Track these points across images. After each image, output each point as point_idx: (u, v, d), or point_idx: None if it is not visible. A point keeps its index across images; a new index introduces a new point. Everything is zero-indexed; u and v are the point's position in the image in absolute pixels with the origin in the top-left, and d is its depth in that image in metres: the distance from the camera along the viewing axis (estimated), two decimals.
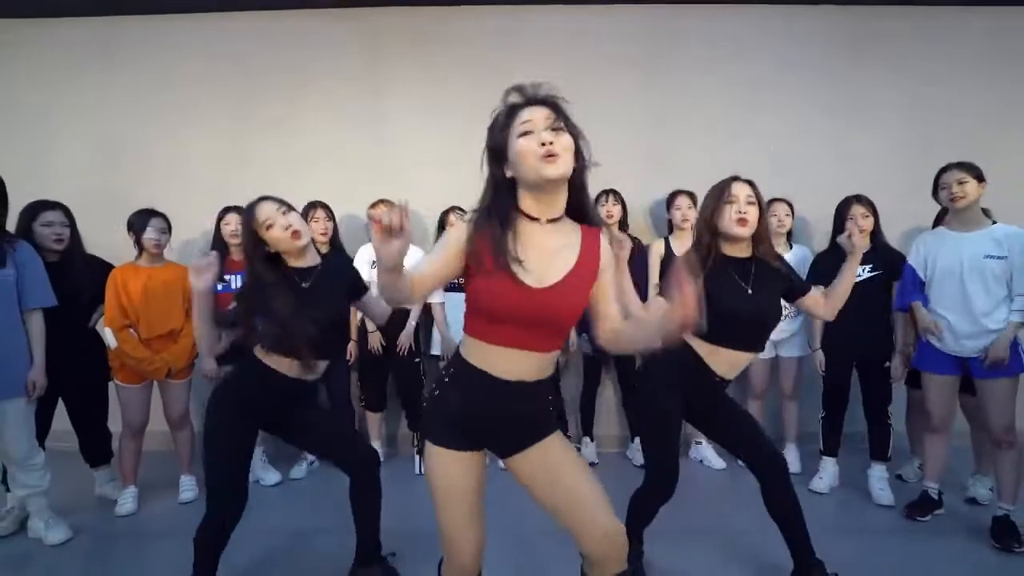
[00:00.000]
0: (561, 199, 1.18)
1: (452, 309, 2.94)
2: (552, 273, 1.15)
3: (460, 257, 1.15)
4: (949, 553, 2.13)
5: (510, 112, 1.15)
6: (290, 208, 1.69)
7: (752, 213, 1.68)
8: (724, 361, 1.71)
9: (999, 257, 2.16)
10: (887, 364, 2.54)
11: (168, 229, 2.59)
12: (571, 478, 1.22)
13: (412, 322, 2.94)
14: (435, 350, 3.09)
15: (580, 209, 1.21)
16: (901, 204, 2.95)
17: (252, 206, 1.66)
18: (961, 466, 2.67)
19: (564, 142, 1.11)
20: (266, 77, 3.41)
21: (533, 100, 1.14)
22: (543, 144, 1.08)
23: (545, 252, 1.15)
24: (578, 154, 1.15)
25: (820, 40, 3.39)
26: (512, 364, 1.17)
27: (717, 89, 3.38)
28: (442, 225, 3.03)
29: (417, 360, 2.99)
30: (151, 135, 3.42)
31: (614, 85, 3.35)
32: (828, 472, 2.71)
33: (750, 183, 1.74)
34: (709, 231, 1.73)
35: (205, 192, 3.19)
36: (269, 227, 1.63)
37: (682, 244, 2.97)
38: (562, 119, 1.13)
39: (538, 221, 1.17)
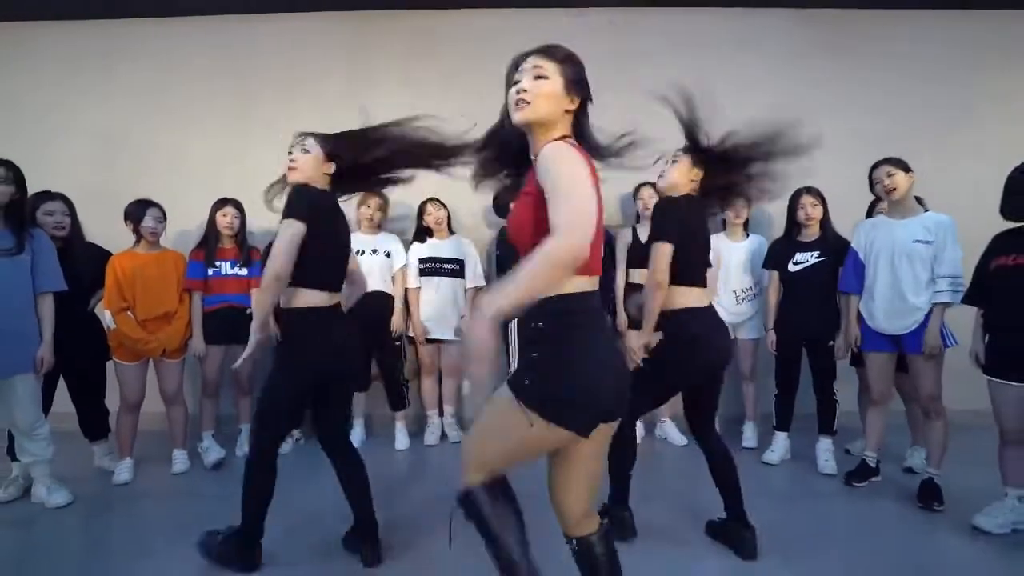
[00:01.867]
0: (543, 138, 1.18)
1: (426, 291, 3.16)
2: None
3: None
4: (880, 513, 2.32)
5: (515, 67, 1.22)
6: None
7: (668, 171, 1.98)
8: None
9: (927, 242, 2.35)
10: (832, 343, 2.73)
11: (164, 218, 2.78)
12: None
13: (399, 305, 3.13)
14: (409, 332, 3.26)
15: (584, 141, 1.23)
16: (855, 196, 3.13)
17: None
18: (902, 441, 2.87)
19: (538, 88, 1.16)
20: (259, 78, 3.60)
21: (530, 53, 1.20)
22: (517, 92, 1.17)
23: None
24: (572, 90, 1.19)
25: (773, 39, 3.60)
26: None
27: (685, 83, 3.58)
28: (421, 213, 3.22)
29: (398, 342, 3.17)
30: (149, 133, 3.62)
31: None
32: (780, 445, 2.91)
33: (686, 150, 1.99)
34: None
35: (201, 186, 3.37)
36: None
37: (647, 231, 3.16)
38: (549, 65, 1.17)
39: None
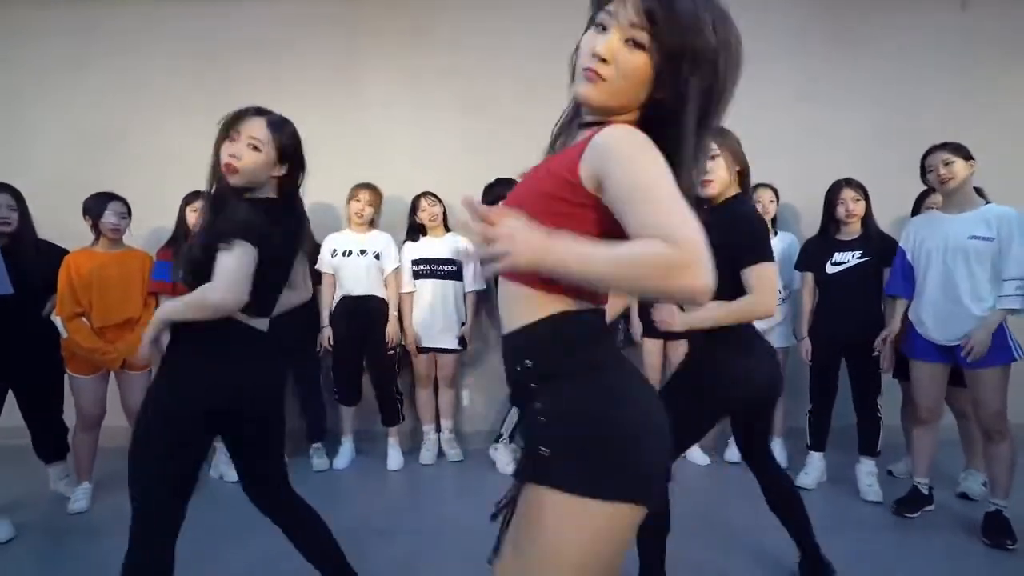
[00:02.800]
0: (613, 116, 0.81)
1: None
2: None
3: None
4: (939, 550, 2.03)
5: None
6: None
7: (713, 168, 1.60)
8: None
9: (986, 238, 2.05)
10: (876, 353, 2.43)
11: (128, 213, 2.49)
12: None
13: (394, 312, 2.83)
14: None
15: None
16: (886, 188, 2.83)
17: None
18: (952, 461, 2.57)
19: (626, 65, 0.76)
20: (243, 65, 3.32)
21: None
22: (594, 55, 0.77)
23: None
24: (664, 82, 0.77)
25: (796, 26, 3.31)
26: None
27: None
28: (414, 209, 2.92)
29: (392, 352, 2.87)
30: (126, 122, 3.33)
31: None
32: (815, 467, 2.61)
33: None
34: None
35: (180, 179, 3.06)
36: None
37: None
38: (657, 33, 0.74)
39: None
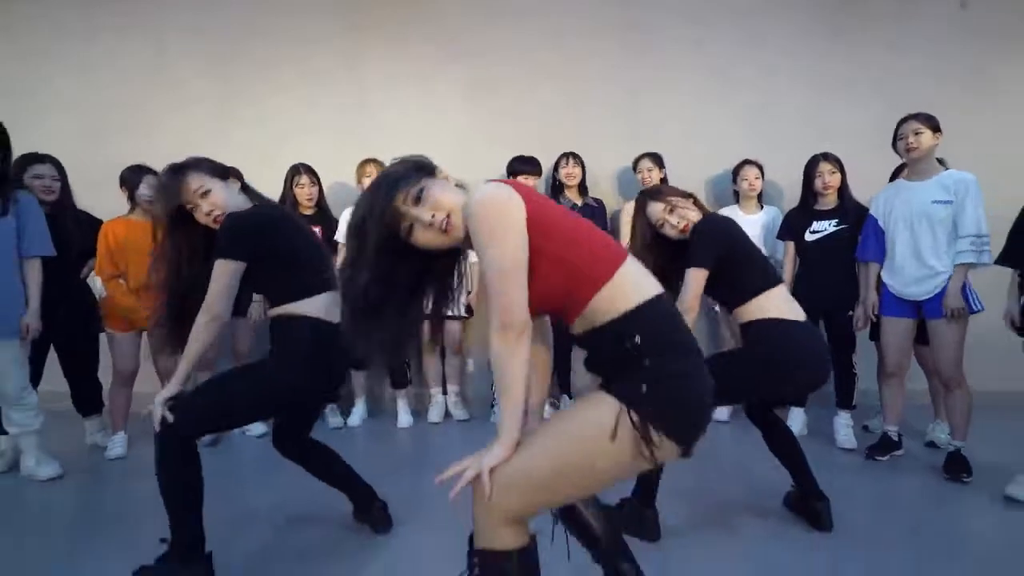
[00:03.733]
0: None
1: None
2: None
3: None
4: (905, 486, 2.23)
5: None
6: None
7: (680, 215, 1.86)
8: None
9: (945, 202, 2.26)
10: (850, 313, 2.63)
11: None
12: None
13: None
14: None
15: None
16: (874, 169, 3.00)
17: None
18: (923, 420, 2.77)
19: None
20: (247, 45, 3.50)
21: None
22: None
23: None
24: None
25: (793, 13, 3.49)
26: None
27: (692, 59, 3.49)
28: None
29: None
30: (136, 101, 3.52)
31: (590, 53, 3.44)
32: (797, 420, 2.81)
33: (652, 195, 1.93)
34: None
35: (188, 156, 3.27)
36: None
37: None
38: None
39: None
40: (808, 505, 1.89)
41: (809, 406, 2.85)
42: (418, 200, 1.02)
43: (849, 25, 3.47)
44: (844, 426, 2.68)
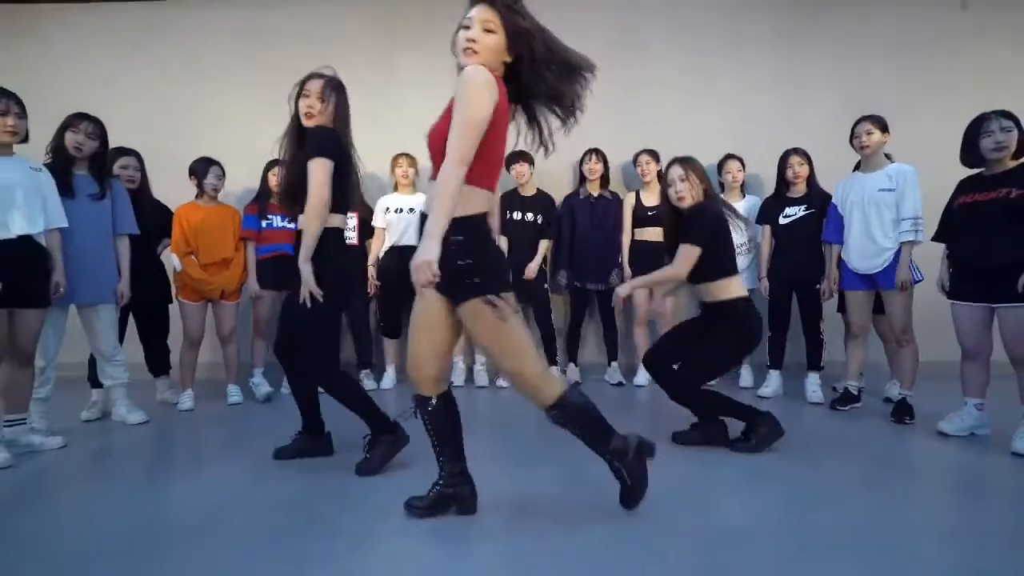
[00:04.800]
0: None
1: None
2: None
3: None
4: (861, 429, 2.64)
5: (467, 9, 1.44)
6: None
7: (684, 188, 2.28)
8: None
9: (889, 190, 2.69)
10: (818, 286, 3.06)
11: (223, 175, 3.11)
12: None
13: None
14: None
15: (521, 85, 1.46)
16: (840, 161, 3.43)
17: None
18: (881, 382, 3.21)
19: (486, 41, 1.38)
20: (288, 48, 3.92)
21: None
22: (467, 39, 1.38)
23: None
24: (518, 45, 1.41)
25: (769, 18, 3.96)
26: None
27: (680, 60, 3.94)
28: None
29: None
30: (193, 99, 3.96)
31: (593, 56, 3.87)
32: (774, 382, 3.24)
33: (680, 162, 2.32)
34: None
35: (240, 147, 3.68)
36: None
37: (650, 196, 3.50)
38: (496, 20, 1.38)
39: None
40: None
41: (785, 381, 3.27)
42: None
43: (816, 33, 3.95)
44: (813, 384, 3.11)
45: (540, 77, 1.43)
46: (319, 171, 1.95)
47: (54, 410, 2.57)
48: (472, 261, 1.41)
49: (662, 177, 2.38)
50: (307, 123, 2.04)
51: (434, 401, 1.57)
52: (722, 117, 3.89)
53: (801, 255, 3.09)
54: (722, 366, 2.41)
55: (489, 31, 1.38)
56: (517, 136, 1.56)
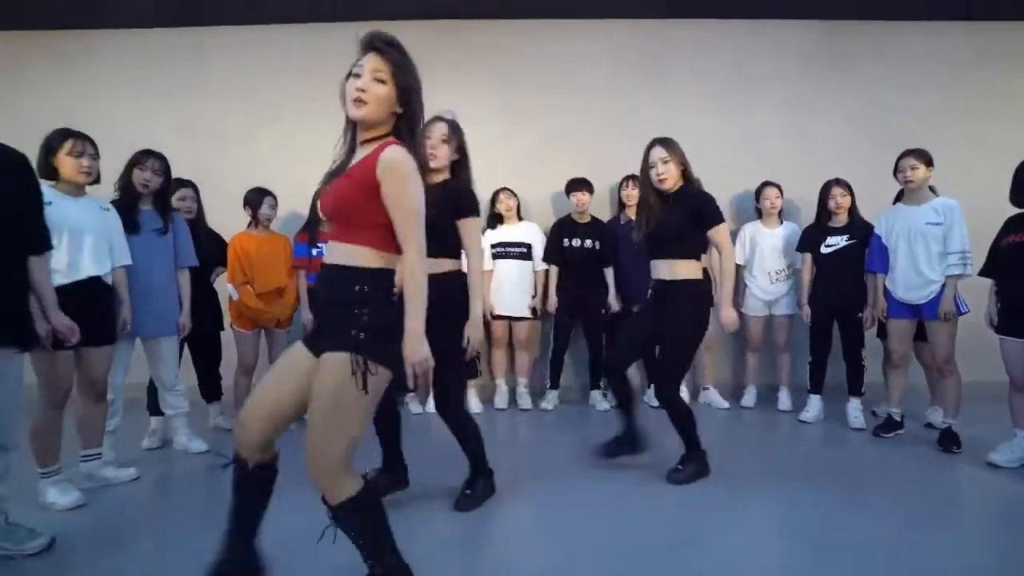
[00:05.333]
0: (375, 130, 1.36)
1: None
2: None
3: None
4: (906, 457, 2.72)
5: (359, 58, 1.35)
6: None
7: (666, 170, 2.29)
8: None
9: (936, 223, 2.76)
10: (860, 314, 3.13)
11: (276, 204, 3.16)
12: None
13: None
14: None
15: (406, 137, 1.37)
16: (864, 188, 3.46)
17: None
18: (922, 407, 3.27)
19: (376, 91, 1.30)
20: (329, 82, 3.96)
21: (368, 47, 1.33)
22: (357, 89, 1.30)
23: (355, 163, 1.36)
24: (405, 101, 1.34)
25: (798, 52, 4.04)
26: (328, 252, 1.38)
27: (712, 93, 4.02)
28: (493, 201, 3.62)
29: None
30: (229, 128, 3.99)
31: (619, 86, 3.99)
32: (814, 406, 3.30)
33: (661, 142, 2.34)
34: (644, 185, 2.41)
35: (278, 179, 3.67)
36: None
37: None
38: (388, 70, 1.31)
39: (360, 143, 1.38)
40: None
41: (825, 405, 3.33)
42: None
43: (855, 52, 4.05)
44: (855, 409, 3.18)
45: (413, 138, 1.38)
46: (476, 231, 2.06)
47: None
48: (368, 317, 1.28)
49: (644, 161, 2.36)
50: (432, 165, 2.00)
51: (250, 467, 1.38)
52: (758, 143, 3.96)
53: (844, 283, 3.16)
54: (691, 352, 2.36)
55: (380, 81, 1.32)
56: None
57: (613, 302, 3.57)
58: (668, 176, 2.30)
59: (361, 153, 1.36)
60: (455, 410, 2.14)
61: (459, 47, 4.00)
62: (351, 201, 1.31)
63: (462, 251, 2.11)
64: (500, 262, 3.55)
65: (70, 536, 1.90)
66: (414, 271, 1.30)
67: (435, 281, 1.95)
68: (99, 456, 2.37)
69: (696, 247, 2.34)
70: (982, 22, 4.04)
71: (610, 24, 4.02)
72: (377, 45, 1.33)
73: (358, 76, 1.32)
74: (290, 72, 4.00)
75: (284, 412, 1.37)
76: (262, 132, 4.00)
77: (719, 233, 2.30)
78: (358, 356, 1.25)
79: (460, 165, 2.12)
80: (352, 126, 1.40)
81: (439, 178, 2.05)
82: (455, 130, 2.08)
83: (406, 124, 1.37)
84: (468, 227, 2.05)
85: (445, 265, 2.04)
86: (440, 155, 2.04)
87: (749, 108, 4.02)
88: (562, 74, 4.02)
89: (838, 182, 3.22)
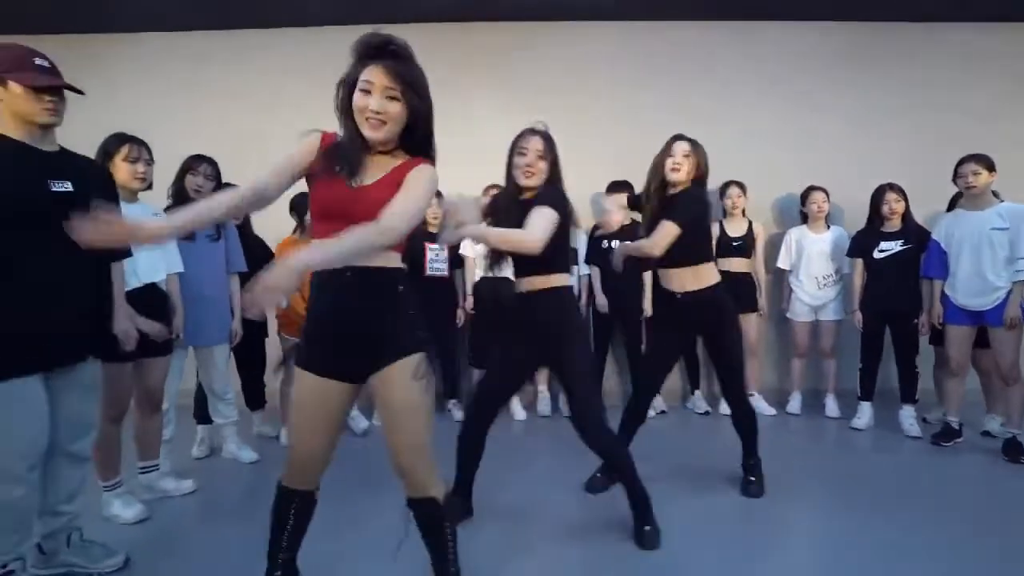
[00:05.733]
0: (386, 145, 1.34)
1: None
2: (368, 181, 1.32)
3: (302, 167, 1.37)
4: (968, 466, 2.67)
5: (359, 63, 1.30)
6: None
7: (684, 162, 2.19)
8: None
9: (1003, 228, 2.71)
10: (916, 320, 3.08)
11: None
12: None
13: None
14: None
15: (419, 150, 1.38)
16: (915, 191, 3.43)
17: None
18: (978, 414, 3.19)
19: (392, 111, 1.27)
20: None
21: (376, 57, 1.28)
22: (373, 111, 1.26)
23: (370, 168, 1.34)
24: (416, 117, 1.32)
25: (843, 54, 3.98)
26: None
27: (754, 95, 3.97)
28: None
29: None
30: (264, 128, 3.93)
31: (655, 89, 3.95)
32: (865, 413, 3.25)
33: (688, 140, 2.23)
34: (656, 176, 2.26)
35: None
36: None
37: (735, 226, 3.54)
38: (400, 87, 1.27)
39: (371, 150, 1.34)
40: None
41: (875, 411, 3.28)
42: None
43: (890, 65, 3.98)
44: (909, 417, 3.12)
45: (431, 149, 1.39)
46: (548, 222, 1.80)
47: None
48: (415, 313, 1.35)
49: (664, 151, 2.24)
50: (526, 183, 1.90)
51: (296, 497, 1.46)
52: (810, 149, 3.90)
53: (898, 289, 3.11)
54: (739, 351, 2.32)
55: (393, 99, 1.28)
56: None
57: (648, 307, 3.54)
58: (682, 169, 2.18)
59: (383, 163, 1.34)
60: (595, 433, 1.96)
61: (460, 48, 3.96)
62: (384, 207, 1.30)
63: (572, 266, 2.05)
64: None
65: (135, 551, 1.86)
66: (368, 232, 1.19)
67: (548, 298, 1.91)
68: (157, 467, 2.33)
69: (707, 248, 2.29)
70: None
71: (610, 25, 3.98)
72: (385, 59, 1.28)
73: (367, 92, 1.27)
74: (321, 78, 3.96)
75: (329, 453, 1.44)
76: (267, 134, 3.95)
77: (664, 226, 2.11)
78: (424, 355, 1.33)
79: (554, 176, 1.96)
80: (361, 139, 1.33)
81: (531, 195, 1.92)
82: (549, 143, 1.95)
83: (424, 140, 1.38)
84: (544, 214, 1.79)
85: (558, 280, 1.92)
86: (537, 171, 1.90)
87: (795, 112, 3.97)
88: (563, 76, 3.97)
89: (891, 187, 3.17)
